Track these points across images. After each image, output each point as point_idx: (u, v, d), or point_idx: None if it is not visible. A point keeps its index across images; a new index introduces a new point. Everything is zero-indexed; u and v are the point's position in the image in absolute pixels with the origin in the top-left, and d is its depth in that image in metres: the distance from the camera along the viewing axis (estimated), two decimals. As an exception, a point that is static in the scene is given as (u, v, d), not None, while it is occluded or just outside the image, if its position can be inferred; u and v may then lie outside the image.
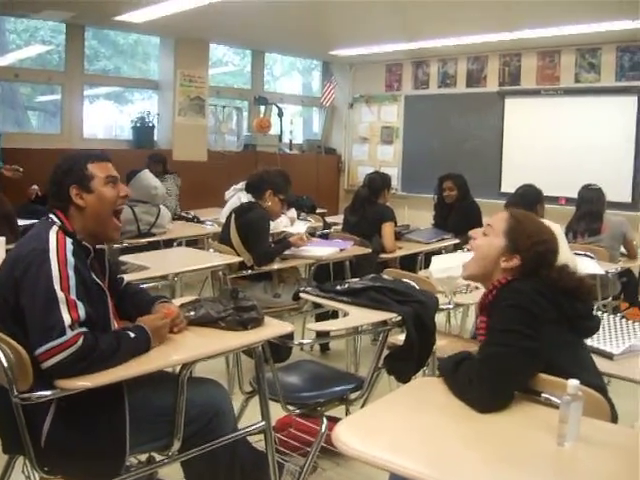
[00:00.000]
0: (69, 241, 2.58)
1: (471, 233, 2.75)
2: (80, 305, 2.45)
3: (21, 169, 7.16)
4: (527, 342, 2.24)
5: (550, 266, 2.50)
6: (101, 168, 2.78)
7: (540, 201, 5.48)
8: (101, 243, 2.85)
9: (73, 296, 2.44)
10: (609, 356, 2.88)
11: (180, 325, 2.84)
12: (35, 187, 7.37)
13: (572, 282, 2.45)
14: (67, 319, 2.38)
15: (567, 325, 2.38)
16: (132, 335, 2.56)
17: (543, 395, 2.24)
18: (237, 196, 6.56)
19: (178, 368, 2.69)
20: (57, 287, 2.42)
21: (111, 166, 2.84)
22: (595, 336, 2.89)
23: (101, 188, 2.73)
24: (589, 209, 6.19)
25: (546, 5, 7.04)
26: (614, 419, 2.31)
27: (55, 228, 2.61)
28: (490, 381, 2.19)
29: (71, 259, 2.52)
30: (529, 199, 5.36)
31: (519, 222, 2.59)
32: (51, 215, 2.69)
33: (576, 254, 5.12)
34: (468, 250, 5.72)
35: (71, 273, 2.48)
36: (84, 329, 2.42)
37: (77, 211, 2.70)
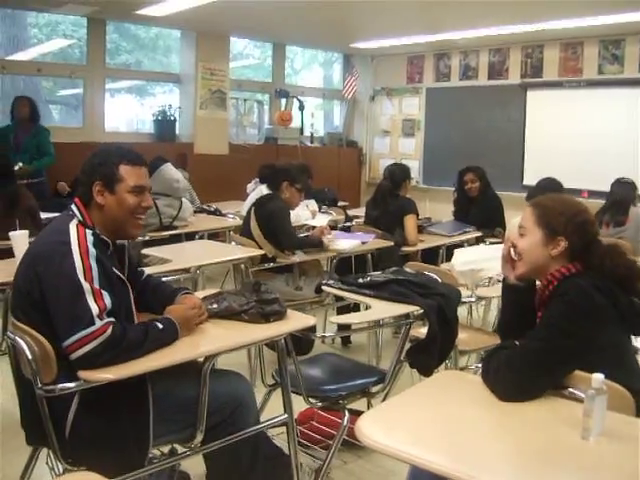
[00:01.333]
0: (89, 232, 2.58)
1: (507, 241, 2.66)
2: (105, 294, 2.47)
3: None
4: (569, 340, 2.22)
5: (595, 237, 2.48)
6: (133, 173, 2.73)
7: (561, 191, 5.45)
8: (122, 239, 2.84)
9: (97, 286, 2.45)
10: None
11: (202, 317, 2.85)
12: (63, 183, 7.48)
13: (626, 268, 2.40)
14: (95, 308, 2.40)
15: (622, 321, 2.34)
16: (160, 326, 2.57)
17: (568, 390, 2.22)
18: (259, 189, 6.57)
19: (201, 360, 2.69)
20: (81, 278, 2.42)
21: (145, 172, 2.81)
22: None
23: (124, 194, 2.69)
24: (617, 200, 6.24)
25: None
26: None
27: (75, 221, 2.61)
28: (517, 371, 2.19)
29: (92, 250, 2.52)
30: (551, 191, 5.33)
31: (545, 206, 2.55)
32: (72, 207, 2.69)
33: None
34: (491, 243, 5.72)
35: (93, 264, 2.48)
36: (112, 319, 2.43)
37: (97, 207, 2.69)
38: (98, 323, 2.37)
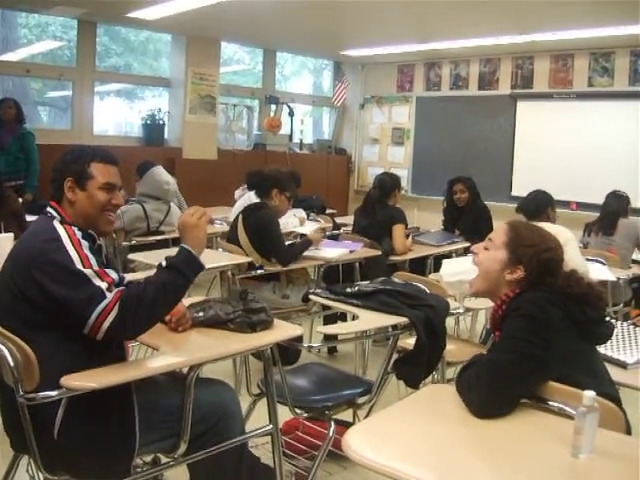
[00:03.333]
0: (75, 228, 2.59)
1: (473, 248, 2.70)
2: (109, 270, 2.52)
3: None
4: (532, 349, 2.21)
5: (556, 274, 2.47)
6: (104, 171, 2.74)
7: (551, 205, 5.46)
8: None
9: (97, 268, 2.48)
10: (623, 365, 2.84)
11: (185, 325, 2.83)
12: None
13: (581, 288, 2.40)
14: (103, 285, 2.44)
15: (579, 333, 2.33)
16: (163, 264, 2.60)
17: (557, 405, 2.20)
18: (247, 196, 6.54)
19: (186, 369, 2.66)
20: (80, 267, 2.44)
21: (115, 171, 2.80)
22: (608, 344, 2.85)
23: (95, 190, 2.69)
24: (609, 212, 6.31)
25: (559, 8, 7.00)
26: (628, 430, 2.27)
27: (55, 221, 2.61)
28: (488, 386, 2.17)
29: (84, 242, 2.55)
30: (540, 203, 5.34)
31: (519, 233, 2.55)
32: (49, 209, 2.69)
33: (587, 259, 5.10)
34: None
35: (88, 253, 2.51)
36: (122, 287, 2.49)
37: (68, 204, 2.69)
38: (109, 295, 2.41)
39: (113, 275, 2.52)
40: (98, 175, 2.71)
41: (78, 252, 2.48)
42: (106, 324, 2.38)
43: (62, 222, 2.61)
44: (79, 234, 2.57)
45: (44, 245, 2.49)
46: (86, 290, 2.40)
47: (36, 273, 2.41)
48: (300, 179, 6.84)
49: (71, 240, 2.51)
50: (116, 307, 2.39)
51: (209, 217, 2.87)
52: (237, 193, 7.05)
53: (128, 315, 2.40)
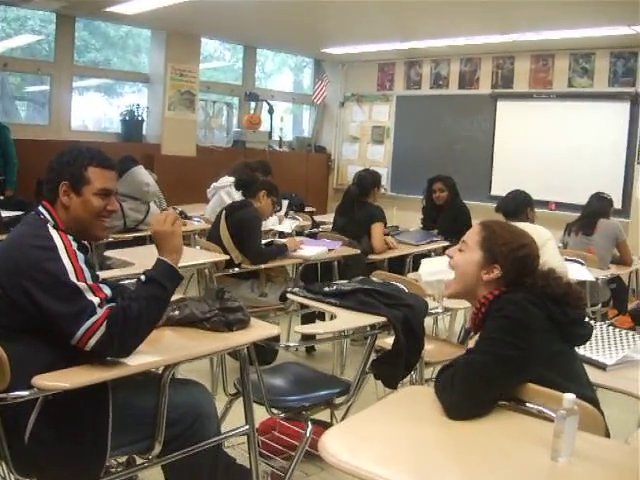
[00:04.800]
0: (71, 238, 2.55)
1: (447, 252, 2.68)
2: (103, 286, 2.50)
3: None
4: (510, 351, 2.18)
5: (533, 272, 2.45)
6: (101, 176, 2.68)
7: (530, 205, 5.46)
8: (85, 240, 2.75)
9: (91, 282, 2.45)
10: (602, 367, 2.83)
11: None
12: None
13: (560, 288, 2.38)
14: (96, 300, 2.41)
15: (559, 333, 2.31)
16: (142, 278, 2.55)
17: (536, 407, 2.18)
18: (226, 192, 6.52)
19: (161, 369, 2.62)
20: (74, 279, 2.40)
21: (112, 176, 2.75)
22: (587, 345, 2.84)
23: (90, 196, 2.64)
24: (590, 212, 6.36)
25: (541, 9, 7.02)
26: (607, 433, 2.26)
27: (50, 226, 2.56)
28: (462, 387, 2.15)
29: (80, 255, 2.51)
30: (520, 203, 5.33)
31: (493, 231, 2.53)
32: (41, 209, 2.63)
33: (566, 260, 5.11)
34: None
35: (83, 266, 2.48)
36: (113, 304, 2.45)
37: (62, 207, 2.63)
38: (99, 311, 2.38)
39: (106, 291, 2.49)
40: (95, 180, 2.65)
41: (73, 264, 2.44)
42: (92, 340, 2.34)
43: (56, 228, 2.56)
44: (74, 245, 2.52)
45: (39, 253, 2.43)
46: (77, 304, 2.37)
47: (27, 283, 2.37)
48: (270, 168, 6.85)
49: (67, 250, 2.47)
50: (104, 325, 2.35)
51: (181, 221, 2.80)
52: (209, 192, 7.00)
53: (115, 334, 2.36)
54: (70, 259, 2.44)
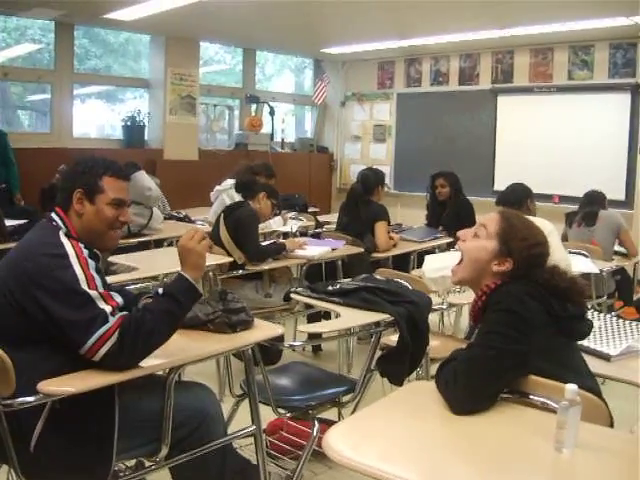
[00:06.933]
0: (82, 245, 2.55)
1: (460, 234, 2.62)
2: (114, 294, 2.50)
3: None
4: (511, 344, 2.18)
5: (541, 267, 2.44)
6: (115, 186, 2.70)
7: (530, 196, 5.46)
8: (96, 249, 2.72)
9: (102, 290, 2.46)
10: (606, 357, 2.83)
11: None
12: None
13: (563, 283, 2.37)
14: (107, 308, 2.41)
15: (557, 328, 2.30)
16: (160, 291, 2.58)
17: (540, 399, 2.18)
18: (227, 195, 6.53)
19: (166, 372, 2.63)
20: (85, 287, 2.41)
21: (126, 186, 2.78)
22: (592, 336, 2.84)
23: (103, 206, 2.66)
24: (587, 202, 6.42)
25: (539, 2, 7.01)
26: (611, 423, 2.26)
27: (62, 233, 2.57)
28: (465, 382, 2.15)
29: (91, 262, 2.51)
30: (518, 195, 5.33)
31: (512, 224, 2.50)
32: (53, 215, 2.64)
33: (570, 252, 5.11)
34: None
35: (95, 274, 2.48)
36: (125, 312, 2.46)
37: (75, 215, 2.65)
38: (111, 320, 2.38)
39: (118, 299, 2.50)
40: (109, 190, 2.67)
41: (84, 272, 2.44)
42: (103, 350, 2.34)
43: (68, 235, 2.57)
44: (86, 252, 2.53)
45: (50, 261, 2.44)
46: (88, 312, 2.37)
47: (38, 292, 2.37)
48: (273, 171, 6.86)
49: (78, 258, 2.47)
50: (116, 334, 2.36)
51: (209, 242, 2.83)
52: (212, 195, 7.02)
53: (127, 343, 2.36)
54: (81, 266, 2.45)
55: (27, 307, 2.39)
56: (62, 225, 2.61)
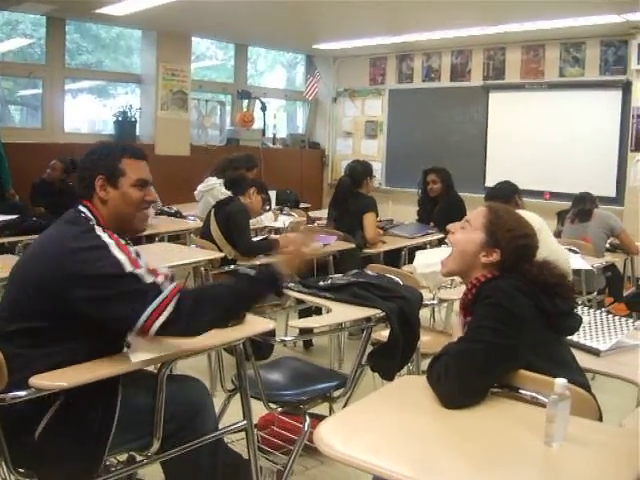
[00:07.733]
0: (117, 236, 2.53)
1: (449, 227, 2.66)
2: (160, 267, 2.49)
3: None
4: (500, 339, 2.19)
5: (530, 261, 2.46)
6: (135, 167, 2.67)
7: (517, 192, 5.50)
8: (125, 234, 2.70)
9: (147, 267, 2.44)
10: (596, 352, 2.85)
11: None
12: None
13: (553, 278, 2.39)
14: (158, 279, 2.40)
15: (546, 323, 2.32)
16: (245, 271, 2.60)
17: (529, 393, 2.19)
18: (211, 196, 6.54)
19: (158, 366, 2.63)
20: (130, 268, 2.39)
21: (145, 165, 2.74)
22: (581, 332, 2.86)
23: (128, 188, 2.62)
24: (580, 199, 6.42)
25: (530, -2, 7.03)
26: (599, 417, 2.27)
27: (94, 225, 2.54)
28: (457, 376, 2.16)
29: (130, 248, 2.51)
30: (506, 191, 5.37)
31: (499, 216, 2.53)
32: (82, 208, 2.61)
33: (561, 249, 5.12)
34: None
35: (135, 256, 2.47)
36: (179, 281, 2.45)
37: (100, 202, 2.62)
38: (166, 290, 2.37)
39: (165, 270, 2.48)
40: (130, 172, 2.64)
41: (127, 255, 2.42)
42: (159, 322, 2.33)
43: (100, 225, 2.55)
44: (123, 242, 2.51)
45: (89, 255, 2.40)
46: (138, 289, 2.36)
47: (84, 290, 2.35)
48: (254, 160, 6.87)
49: (117, 245, 2.44)
50: (172, 302, 2.35)
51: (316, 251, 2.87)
52: (197, 195, 7.02)
53: (184, 310, 2.36)
54: (121, 250, 2.43)
55: (67, 305, 2.36)
56: (91, 216, 2.58)
